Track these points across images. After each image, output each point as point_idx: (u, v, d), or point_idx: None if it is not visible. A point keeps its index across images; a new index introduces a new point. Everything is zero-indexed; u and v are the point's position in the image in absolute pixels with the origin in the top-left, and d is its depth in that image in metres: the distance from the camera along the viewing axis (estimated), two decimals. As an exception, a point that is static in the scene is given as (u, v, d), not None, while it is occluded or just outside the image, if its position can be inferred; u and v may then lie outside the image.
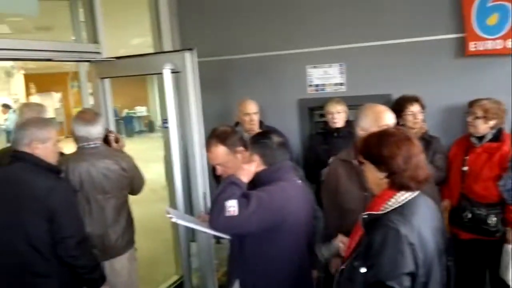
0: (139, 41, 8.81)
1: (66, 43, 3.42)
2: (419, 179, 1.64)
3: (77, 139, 2.69)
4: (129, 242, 2.84)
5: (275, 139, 2.08)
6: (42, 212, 2.08)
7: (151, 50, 4.16)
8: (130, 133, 16.14)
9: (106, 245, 2.67)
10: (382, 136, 1.71)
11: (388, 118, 2.36)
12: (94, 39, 3.36)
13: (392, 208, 1.62)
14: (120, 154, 2.84)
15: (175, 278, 4.22)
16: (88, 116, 2.69)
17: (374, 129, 2.34)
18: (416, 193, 1.67)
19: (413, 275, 1.53)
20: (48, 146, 2.20)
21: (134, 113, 16.70)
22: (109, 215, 2.69)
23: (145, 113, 17.31)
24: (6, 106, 13.15)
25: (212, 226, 1.99)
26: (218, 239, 3.25)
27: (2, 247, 2.15)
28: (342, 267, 1.74)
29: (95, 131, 2.66)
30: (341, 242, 2.00)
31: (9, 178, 2.15)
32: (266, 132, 2.21)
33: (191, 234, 3.30)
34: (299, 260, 2.09)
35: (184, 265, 3.20)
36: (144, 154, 7.72)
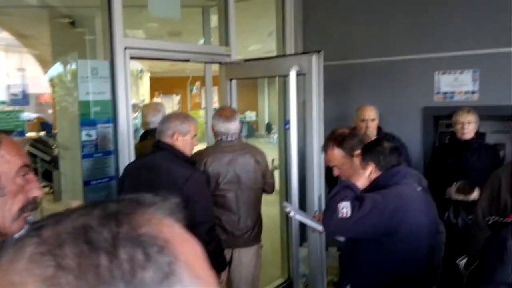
0: (255, 47, 9.16)
1: (202, 46, 3.71)
2: None
3: (216, 134, 2.89)
4: (258, 236, 2.95)
5: (386, 144, 2.06)
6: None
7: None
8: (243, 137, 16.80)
9: (237, 234, 2.82)
10: None
11: None
12: (226, 43, 3.57)
13: None
14: (255, 148, 3.00)
15: (280, 280, 4.26)
16: (227, 113, 2.87)
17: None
18: None
19: None
20: (187, 139, 2.39)
21: (244, 117, 17.38)
22: (242, 206, 2.83)
23: (254, 118, 17.94)
24: (135, 106, 14.57)
25: (324, 227, 2.03)
26: (326, 247, 3.23)
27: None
28: None
29: (233, 126, 2.83)
30: None
31: (150, 165, 2.37)
32: (376, 140, 2.19)
33: (302, 237, 3.31)
34: (416, 273, 1.98)
35: (294, 269, 3.23)
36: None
